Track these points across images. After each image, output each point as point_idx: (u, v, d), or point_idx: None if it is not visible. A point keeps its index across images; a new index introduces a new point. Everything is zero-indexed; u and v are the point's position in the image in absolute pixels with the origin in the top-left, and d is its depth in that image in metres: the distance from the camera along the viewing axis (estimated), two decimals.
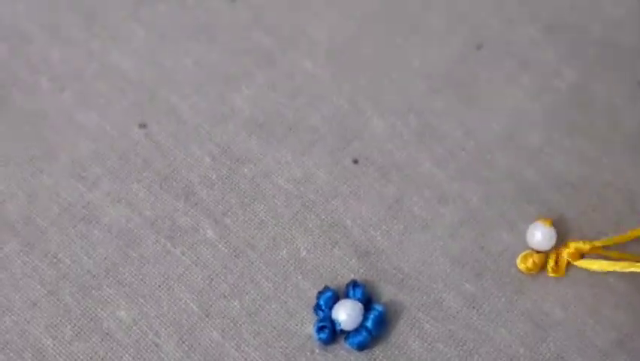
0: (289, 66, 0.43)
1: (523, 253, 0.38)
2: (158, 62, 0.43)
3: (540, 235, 0.38)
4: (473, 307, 0.38)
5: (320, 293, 0.37)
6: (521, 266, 0.38)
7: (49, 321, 0.37)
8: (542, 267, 0.38)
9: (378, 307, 0.36)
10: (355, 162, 0.41)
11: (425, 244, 0.39)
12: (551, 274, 0.38)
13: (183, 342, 0.37)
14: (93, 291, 0.37)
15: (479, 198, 0.40)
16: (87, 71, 0.43)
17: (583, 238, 0.39)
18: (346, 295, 0.37)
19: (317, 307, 0.37)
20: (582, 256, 0.38)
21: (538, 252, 0.38)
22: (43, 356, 0.36)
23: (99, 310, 0.37)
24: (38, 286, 0.37)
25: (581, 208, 0.40)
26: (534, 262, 0.38)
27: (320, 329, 0.36)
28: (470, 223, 0.39)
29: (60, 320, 0.37)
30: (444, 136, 0.42)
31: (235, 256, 0.39)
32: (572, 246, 0.38)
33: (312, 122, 0.42)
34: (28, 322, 0.37)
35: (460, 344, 0.37)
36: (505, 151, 0.41)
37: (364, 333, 0.36)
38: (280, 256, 0.39)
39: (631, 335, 0.37)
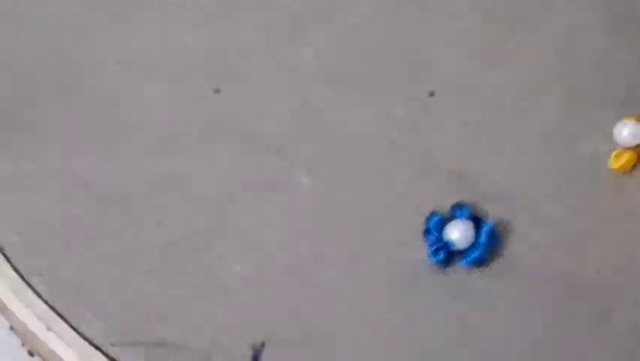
0: (346, 16, 0.44)
1: (615, 152, 0.39)
2: (219, 32, 0.44)
3: (626, 132, 0.39)
4: (575, 212, 0.38)
5: (428, 218, 0.37)
6: (615, 166, 0.39)
7: (166, 283, 0.37)
8: (636, 164, 0.40)
9: (488, 222, 0.37)
10: (431, 94, 0.42)
11: (516, 160, 0.40)
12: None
13: (301, 288, 0.37)
14: (204, 251, 0.38)
15: (558, 109, 0.41)
16: (152, 49, 0.43)
17: None
18: (453, 217, 0.38)
19: (427, 232, 0.37)
20: None
21: (629, 149, 0.40)
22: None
23: (213, 267, 0.37)
24: (150, 255, 0.38)
25: None
26: (627, 159, 0.39)
27: (435, 252, 0.37)
28: (557, 133, 0.40)
29: (177, 281, 0.37)
30: (509, 56, 0.42)
31: (334, 199, 0.39)
32: None
33: (380, 65, 0.43)
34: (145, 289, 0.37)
35: (570, 247, 0.38)
36: (573, 61, 0.42)
37: (481, 248, 0.37)
38: (379, 193, 0.39)
39: None
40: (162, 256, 0.37)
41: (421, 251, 0.38)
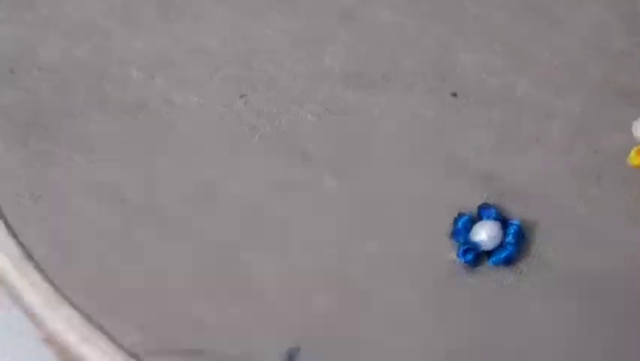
0: (371, 19, 0.44)
1: (636, 148, 0.40)
2: (243, 37, 0.44)
3: None
4: (600, 211, 0.39)
5: (456, 219, 0.38)
6: (635, 162, 0.40)
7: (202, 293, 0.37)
8: None
9: (515, 222, 0.38)
10: (454, 95, 0.42)
11: (541, 160, 0.40)
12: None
13: (334, 290, 0.38)
14: (234, 259, 0.38)
15: (582, 108, 0.41)
16: (174, 56, 0.43)
17: None
18: (480, 218, 0.38)
19: (456, 233, 0.38)
20: None
21: None
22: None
23: (243, 273, 0.38)
24: (183, 266, 0.38)
25: None
26: None
27: (465, 253, 0.37)
28: (579, 132, 0.40)
29: (214, 288, 0.37)
30: (532, 57, 0.43)
31: (362, 200, 0.39)
32: None
33: (404, 67, 0.43)
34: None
35: (596, 245, 0.38)
36: (594, 61, 0.43)
37: (509, 248, 0.37)
38: (405, 195, 0.39)
39: None
40: (196, 264, 0.38)
41: (450, 252, 0.38)
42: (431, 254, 0.38)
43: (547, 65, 0.43)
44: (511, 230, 0.37)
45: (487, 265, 0.38)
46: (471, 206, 0.39)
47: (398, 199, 0.39)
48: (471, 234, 0.38)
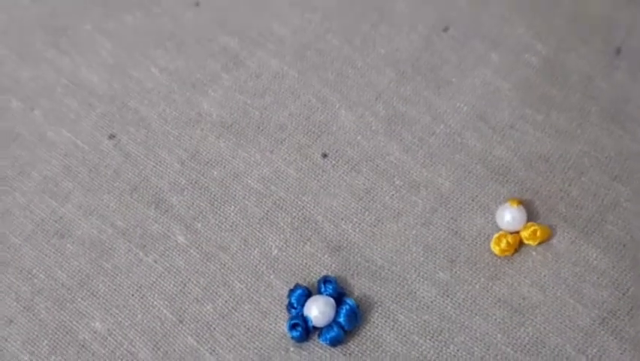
0: (256, 66, 0.43)
1: (497, 235, 0.37)
2: (126, 73, 0.43)
3: (509, 216, 0.37)
4: (447, 296, 0.37)
5: (291, 291, 0.36)
6: (495, 249, 0.37)
7: (26, 337, 0.37)
8: (517, 248, 0.38)
9: (350, 302, 0.36)
10: (325, 155, 0.41)
11: (397, 233, 0.38)
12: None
13: (158, 349, 0.36)
14: (68, 304, 0.37)
15: (451, 182, 0.39)
16: (56, 88, 0.43)
17: (559, 215, 0.38)
18: (318, 292, 0.37)
19: (289, 305, 0.37)
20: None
21: (511, 233, 0.38)
22: None
23: (74, 322, 0.37)
24: (14, 303, 0.38)
25: (557, 184, 0.39)
26: (507, 242, 0.37)
27: (292, 327, 0.36)
28: (442, 209, 0.38)
29: (36, 335, 0.37)
30: (413, 122, 0.41)
31: (207, 259, 0.38)
32: (530, 228, 0.37)
33: (280, 119, 0.42)
34: (6, 339, 0.37)
35: (435, 334, 0.36)
36: (476, 132, 0.40)
37: (336, 328, 0.36)
38: (252, 257, 0.38)
39: (614, 311, 0.36)
40: (26, 307, 0.38)
41: (283, 324, 0.37)
42: (264, 323, 0.37)
43: (426, 132, 0.41)
44: (343, 309, 0.36)
45: (318, 342, 0.36)
46: (318, 274, 0.38)
47: (244, 261, 0.38)
48: (304, 308, 0.36)
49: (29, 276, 0.38)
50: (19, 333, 0.37)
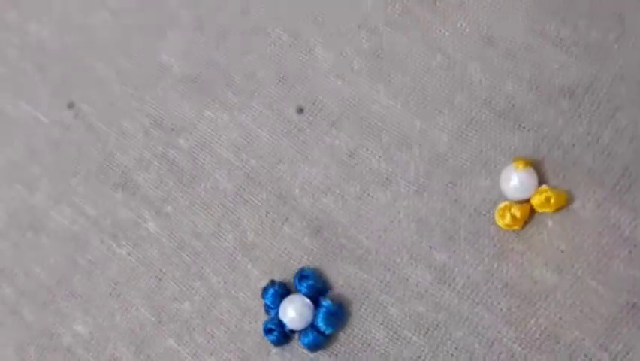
0: None
1: (501, 206, 0.30)
2: (77, 23, 0.38)
3: (516, 180, 0.30)
4: (444, 282, 0.31)
5: (264, 290, 0.32)
6: (500, 222, 0.31)
7: (15, 343, 0.36)
8: (527, 219, 0.31)
9: (326, 303, 0.31)
10: (300, 111, 0.34)
11: (386, 205, 0.32)
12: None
13: (140, 353, 0.34)
14: (49, 306, 0.35)
15: (449, 134, 0.32)
16: (10, 52, 0.39)
17: (585, 169, 0.30)
18: (295, 287, 0.33)
19: (265, 306, 0.33)
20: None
21: (518, 202, 0.31)
22: None
23: (58, 325, 0.35)
24: (1, 307, 0.37)
25: (584, 126, 0.31)
26: (513, 215, 0.30)
27: (268, 331, 0.32)
28: (439, 171, 0.32)
29: (24, 341, 0.35)
30: (404, 55, 0.33)
31: (180, 249, 0.34)
32: (543, 194, 0.30)
33: (247, 66, 0.35)
34: None
35: (431, 329, 0.31)
36: (482, 61, 0.32)
37: (314, 333, 0.31)
38: (226, 243, 0.34)
39: None
40: (12, 310, 0.36)
41: (263, 320, 0.33)
42: (244, 322, 0.33)
43: (419, 65, 0.32)
44: (321, 312, 0.31)
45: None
46: (298, 260, 0.32)
47: (218, 249, 0.33)
48: (280, 309, 0.32)
49: (10, 276, 0.37)
50: (9, 339, 0.36)
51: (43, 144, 0.37)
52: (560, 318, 0.30)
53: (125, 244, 0.35)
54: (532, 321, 0.30)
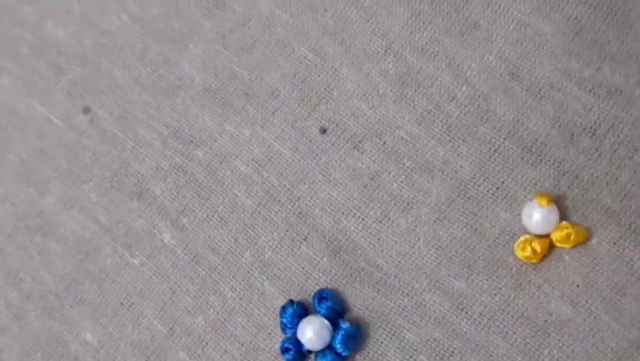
0: (242, 10, 0.36)
1: (522, 239, 0.31)
2: (96, 25, 0.37)
3: (538, 216, 0.31)
4: (462, 310, 0.32)
5: (283, 309, 0.33)
6: (520, 254, 0.32)
7: (20, 348, 0.36)
8: (546, 253, 0.32)
9: (345, 325, 0.32)
10: (323, 131, 0.34)
11: (406, 231, 0.33)
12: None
13: None
14: (57, 312, 0.35)
15: (472, 164, 0.32)
16: (23, 49, 0.38)
17: (602, 208, 0.31)
18: (313, 309, 0.33)
19: (282, 325, 0.33)
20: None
21: (539, 236, 0.32)
22: None
23: (65, 333, 0.35)
24: (5, 310, 0.36)
25: (603, 166, 0.32)
26: (533, 249, 0.31)
27: (285, 351, 0.32)
28: (460, 200, 0.32)
29: (30, 347, 0.35)
30: (429, 83, 0.33)
31: (195, 262, 0.34)
32: (564, 231, 0.30)
33: (271, 82, 0.35)
34: (1, 350, 0.36)
35: (447, 355, 0.31)
36: (507, 95, 0.33)
37: (332, 354, 0.32)
38: (243, 260, 0.34)
39: None
40: (17, 315, 0.36)
41: (278, 338, 0.33)
42: (258, 339, 0.33)
43: (444, 94, 0.32)
44: (339, 334, 0.32)
45: None
46: (316, 281, 0.33)
47: (235, 264, 0.33)
48: (298, 329, 0.33)
49: (16, 280, 0.36)
50: (13, 344, 0.36)
51: (55, 147, 0.37)
52: (573, 350, 0.31)
53: (138, 253, 0.35)
54: (546, 352, 0.31)
